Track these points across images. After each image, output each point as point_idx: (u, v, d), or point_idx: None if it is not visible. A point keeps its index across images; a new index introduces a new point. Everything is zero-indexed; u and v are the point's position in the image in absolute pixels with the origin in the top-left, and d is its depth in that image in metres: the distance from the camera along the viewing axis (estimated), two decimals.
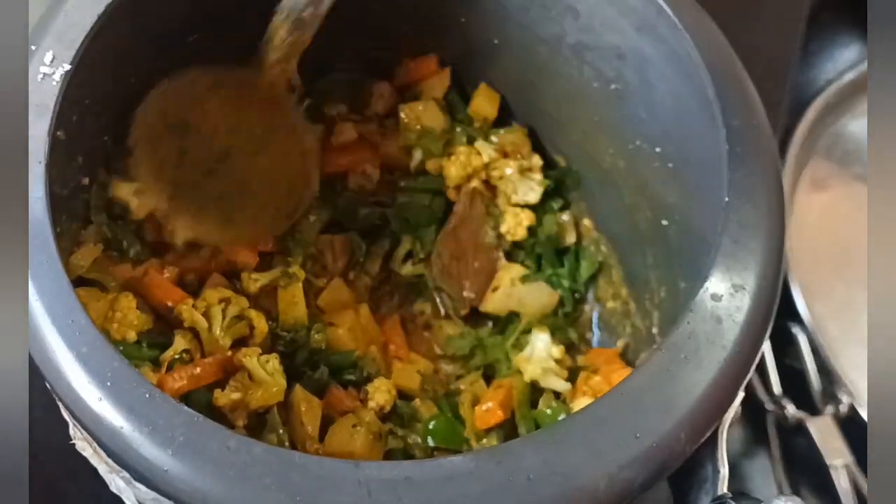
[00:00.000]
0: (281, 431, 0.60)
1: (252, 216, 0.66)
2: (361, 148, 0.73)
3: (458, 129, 0.73)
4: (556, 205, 0.73)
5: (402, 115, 0.72)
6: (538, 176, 0.72)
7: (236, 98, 0.64)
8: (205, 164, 0.64)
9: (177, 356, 0.60)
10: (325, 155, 0.72)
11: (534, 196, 0.71)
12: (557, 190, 0.73)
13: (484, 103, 0.73)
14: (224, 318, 0.61)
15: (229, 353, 0.60)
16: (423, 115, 0.72)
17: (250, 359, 0.59)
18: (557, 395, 0.66)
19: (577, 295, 0.72)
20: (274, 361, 0.60)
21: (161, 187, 0.63)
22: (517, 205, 0.72)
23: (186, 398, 0.60)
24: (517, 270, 0.71)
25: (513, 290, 0.70)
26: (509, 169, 0.71)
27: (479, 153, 0.72)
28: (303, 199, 0.68)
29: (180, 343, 0.61)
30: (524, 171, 0.71)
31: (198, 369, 0.59)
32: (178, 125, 0.63)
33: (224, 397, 0.58)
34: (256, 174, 0.66)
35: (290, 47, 0.61)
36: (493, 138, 0.72)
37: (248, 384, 0.59)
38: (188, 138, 0.64)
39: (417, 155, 0.72)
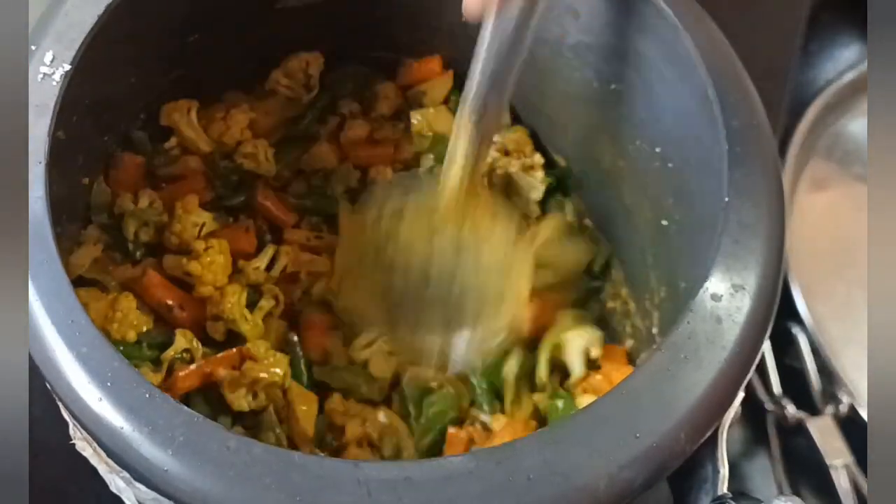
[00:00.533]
0: (278, 430, 0.60)
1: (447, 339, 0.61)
2: (374, 146, 0.73)
3: None
4: (557, 203, 0.73)
5: (414, 121, 0.72)
6: (540, 174, 0.72)
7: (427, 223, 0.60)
8: (409, 285, 0.60)
9: (178, 356, 0.60)
10: (341, 148, 0.72)
11: (537, 194, 0.71)
12: (559, 189, 0.73)
13: None
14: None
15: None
16: (435, 120, 0.72)
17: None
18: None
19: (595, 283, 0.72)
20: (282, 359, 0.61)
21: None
22: None
23: (187, 396, 0.60)
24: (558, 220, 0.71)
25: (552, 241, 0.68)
26: (512, 168, 0.71)
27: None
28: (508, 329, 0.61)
29: (181, 342, 0.61)
30: (527, 169, 0.71)
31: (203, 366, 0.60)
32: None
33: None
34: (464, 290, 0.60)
35: (473, 161, 0.57)
36: (496, 138, 0.72)
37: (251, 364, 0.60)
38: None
39: (428, 161, 0.72)
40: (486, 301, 0.60)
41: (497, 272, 0.60)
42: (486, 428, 0.64)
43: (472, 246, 0.59)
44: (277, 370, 0.60)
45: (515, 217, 0.62)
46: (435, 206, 0.58)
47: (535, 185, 0.71)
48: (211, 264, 0.63)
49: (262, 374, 0.60)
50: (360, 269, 0.61)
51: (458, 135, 0.56)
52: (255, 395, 0.60)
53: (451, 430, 0.63)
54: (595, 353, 0.66)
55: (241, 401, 0.59)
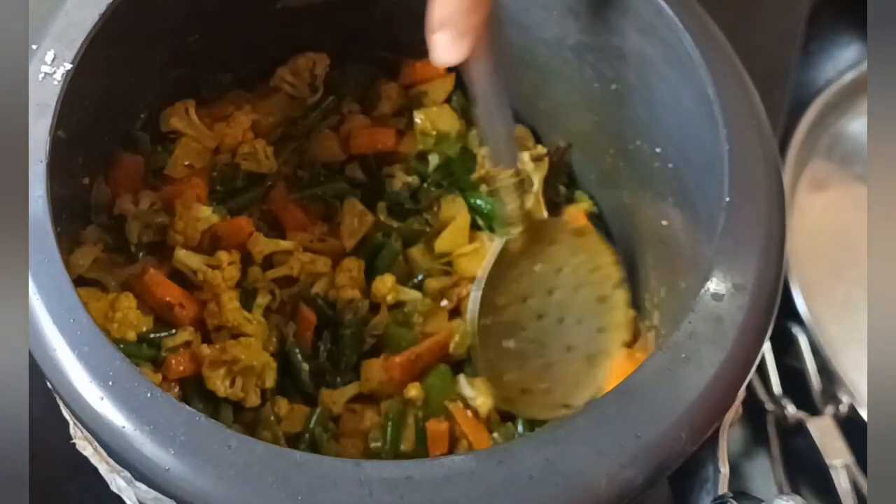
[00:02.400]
0: (276, 428, 0.60)
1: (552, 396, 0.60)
2: (374, 132, 0.73)
3: (473, 133, 0.73)
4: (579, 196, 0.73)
5: (418, 121, 0.72)
6: (546, 165, 0.72)
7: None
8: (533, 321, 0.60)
9: (177, 347, 0.61)
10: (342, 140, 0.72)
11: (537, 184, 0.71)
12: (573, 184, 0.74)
13: None
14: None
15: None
16: (439, 120, 0.72)
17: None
18: None
19: None
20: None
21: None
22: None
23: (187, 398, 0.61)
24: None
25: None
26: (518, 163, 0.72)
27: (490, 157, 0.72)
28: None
29: (182, 335, 0.61)
30: (535, 160, 0.71)
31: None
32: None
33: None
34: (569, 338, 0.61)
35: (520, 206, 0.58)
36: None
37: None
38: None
39: (434, 160, 0.73)
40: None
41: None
42: (468, 405, 0.64)
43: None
44: (257, 358, 0.61)
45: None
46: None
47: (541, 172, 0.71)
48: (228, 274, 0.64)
49: (241, 356, 0.61)
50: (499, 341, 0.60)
51: (502, 189, 0.58)
52: (232, 382, 0.61)
53: (432, 422, 0.63)
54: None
55: (217, 382, 0.60)
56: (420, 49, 0.72)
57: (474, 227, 0.71)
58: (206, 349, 0.61)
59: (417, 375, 0.65)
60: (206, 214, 0.66)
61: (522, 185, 0.59)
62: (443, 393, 0.64)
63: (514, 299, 0.60)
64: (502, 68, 0.53)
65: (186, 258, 0.64)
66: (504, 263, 0.59)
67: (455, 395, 0.64)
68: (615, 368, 0.65)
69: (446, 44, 0.50)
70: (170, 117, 0.67)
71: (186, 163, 0.68)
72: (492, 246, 0.68)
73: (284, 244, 0.67)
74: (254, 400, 0.61)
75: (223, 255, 0.64)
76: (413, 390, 0.64)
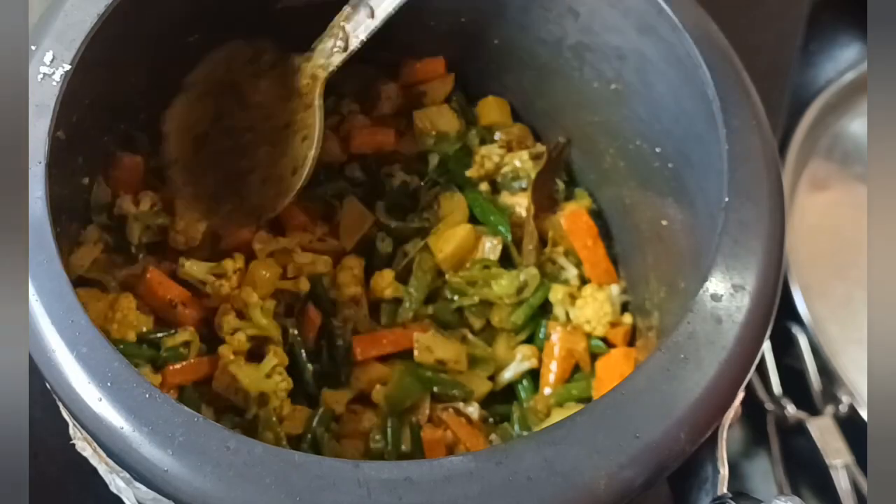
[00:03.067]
0: (278, 429, 0.60)
1: (256, 199, 0.66)
2: (374, 132, 0.73)
3: (472, 132, 0.73)
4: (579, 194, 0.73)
5: (417, 121, 0.72)
6: (543, 162, 0.72)
7: (275, 77, 0.66)
8: (231, 136, 0.66)
9: (176, 347, 0.61)
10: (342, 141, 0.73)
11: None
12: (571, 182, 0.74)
13: (493, 113, 0.74)
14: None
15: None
16: (439, 120, 0.72)
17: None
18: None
19: None
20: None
21: (187, 159, 0.65)
22: None
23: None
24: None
25: None
26: (518, 161, 0.72)
27: (489, 157, 0.72)
28: (293, 186, 0.67)
29: (182, 335, 0.61)
30: (534, 158, 0.72)
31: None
32: (221, 87, 0.66)
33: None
34: (269, 156, 0.66)
35: (334, 56, 0.64)
36: (498, 134, 0.72)
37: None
38: (224, 102, 0.66)
39: (434, 160, 0.73)
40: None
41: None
42: (460, 412, 0.65)
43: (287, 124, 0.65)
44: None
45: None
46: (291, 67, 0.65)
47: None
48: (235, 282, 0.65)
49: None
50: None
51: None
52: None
53: (427, 430, 0.64)
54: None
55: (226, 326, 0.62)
56: (420, 49, 0.73)
57: (472, 221, 0.71)
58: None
59: (382, 358, 0.66)
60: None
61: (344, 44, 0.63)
62: (410, 390, 0.65)
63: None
64: None
65: (192, 269, 0.64)
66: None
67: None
68: (608, 367, 0.65)
69: None
70: (169, 118, 0.67)
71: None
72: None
73: (285, 241, 0.67)
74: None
75: (228, 264, 0.64)
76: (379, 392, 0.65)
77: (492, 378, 0.68)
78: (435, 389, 0.65)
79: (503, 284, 0.68)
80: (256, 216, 0.66)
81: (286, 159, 0.65)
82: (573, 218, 0.70)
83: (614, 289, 0.69)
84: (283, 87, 0.65)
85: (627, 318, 0.68)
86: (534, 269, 0.69)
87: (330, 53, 0.64)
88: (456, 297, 0.68)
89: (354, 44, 0.63)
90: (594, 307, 0.67)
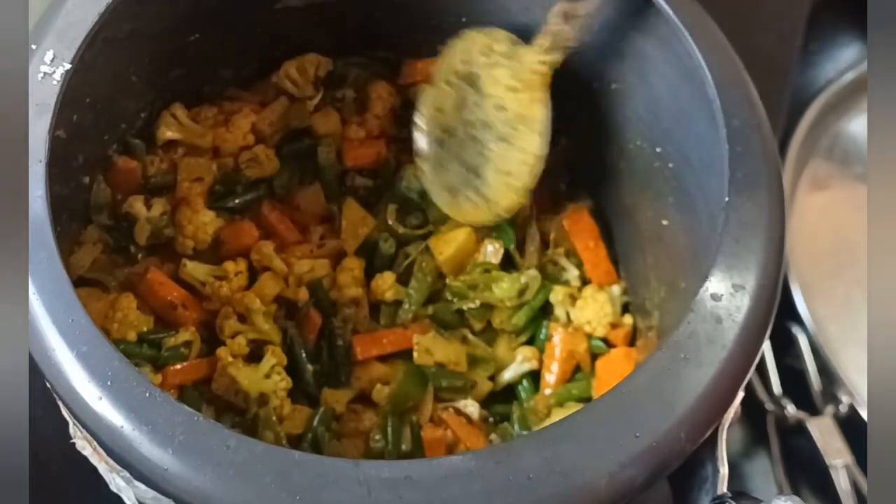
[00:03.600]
0: (278, 429, 0.60)
1: (491, 194, 0.65)
2: (367, 146, 0.73)
3: None
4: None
5: (417, 121, 0.72)
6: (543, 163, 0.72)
7: (507, 69, 0.64)
8: (470, 128, 0.66)
9: (177, 347, 0.60)
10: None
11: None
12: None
13: None
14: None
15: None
16: None
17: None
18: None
19: None
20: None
21: (435, 152, 0.67)
22: None
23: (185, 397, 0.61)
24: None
25: None
26: None
27: None
28: (525, 184, 0.65)
29: (183, 335, 0.61)
30: None
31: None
32: (461, 78, 0.66)
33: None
34: (502, 151, 0.65)
35: (559, 38, 0.62)
36: None
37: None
38: (464, 93, 0.66)
39: None
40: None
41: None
42: (460, 412, 0.65)
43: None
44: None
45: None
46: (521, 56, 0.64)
47: None
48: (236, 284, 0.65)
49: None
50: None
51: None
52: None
53: (427, 429, 0.64)
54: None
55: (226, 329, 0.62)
56: (420, 49, 0.73)
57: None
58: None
59: (382, 358, 0.66)
60: (212, 218, 0.66)
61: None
62: (413, 390, 0.65)
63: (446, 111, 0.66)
64: None
65: (194, 270, 0.64)
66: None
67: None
68: (608, 366, 0.65)
69: None
70: (161, 129, 0.67)
71: (194, 178, 0.68)
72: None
73: (279, 265, 0.67)
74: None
75: (230, 266, 0.65)
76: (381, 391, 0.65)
77: (492, 378, 0.68)
78: (443, 384, 0.65)
79: (504, 287, 0.68)
80: (494, 213, 0.65)
81: (517, 154, 0.64)
82: (575, 218, 0.70)
83: (615, 289, 0.69)
84: (515, 79, 0.64)
85: (628, 319, 0.68)
86: (534, 271, 0.69)
87: (551, 48, 0.62)
88: (456, 300, 0.68)
89: (572, 39, 0.61)
90: (594, 308, 0.67)
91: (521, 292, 0.68)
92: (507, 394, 0.68)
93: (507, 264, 0.70)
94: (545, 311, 0.70)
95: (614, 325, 0.68)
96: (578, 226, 0.71)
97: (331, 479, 0.40)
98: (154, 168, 0.67)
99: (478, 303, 0.68)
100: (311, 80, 0.72)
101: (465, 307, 0.68)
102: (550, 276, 0.70)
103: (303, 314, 0.66)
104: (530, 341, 0.69)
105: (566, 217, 0.71)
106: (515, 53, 0.64)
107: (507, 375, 0.68)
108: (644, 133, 0.63)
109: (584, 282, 0.70)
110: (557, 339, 0.67)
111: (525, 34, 0.67)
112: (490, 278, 0.68)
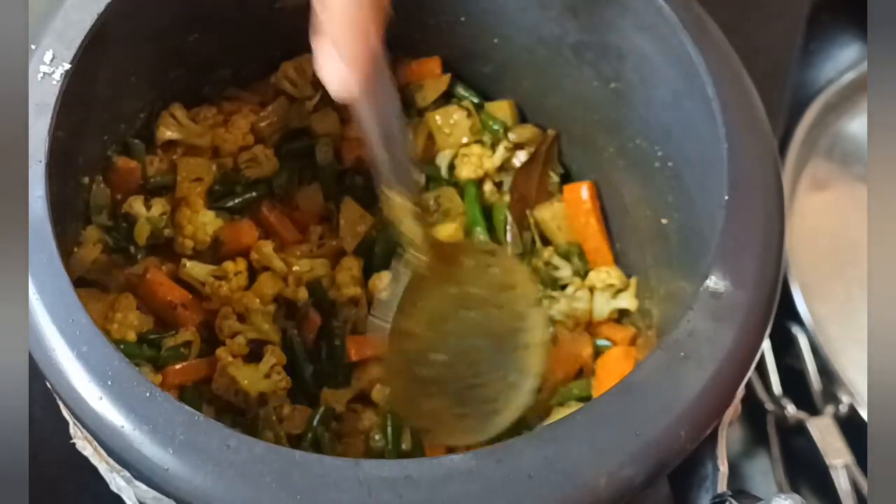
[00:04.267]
0: (278, 429, 0.60)
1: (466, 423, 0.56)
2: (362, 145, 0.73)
3: (485, 134, 0.73)
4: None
5: (429, 122, 0.73)
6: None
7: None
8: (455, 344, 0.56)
9: (177, 347, 0.61)
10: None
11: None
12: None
13: (504, 113, 0.73)
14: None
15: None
16: (455, 125, 0.72)
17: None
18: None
19: None
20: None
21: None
22: None
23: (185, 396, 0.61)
24: None
25: None
26: (518, 161, 0.72)
27: (490, 156, 0.72)
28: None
29: (184, 335, 0.61)
30: (511, 150, 0.72)
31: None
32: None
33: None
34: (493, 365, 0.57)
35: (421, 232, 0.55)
36: (511, 135, 0.72)
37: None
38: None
39: (444, 161, 0.73)
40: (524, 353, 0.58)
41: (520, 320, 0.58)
42: None
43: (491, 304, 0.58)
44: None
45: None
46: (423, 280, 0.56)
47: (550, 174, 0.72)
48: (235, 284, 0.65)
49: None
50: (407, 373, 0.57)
51: (401, 215, 0.54)
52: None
53: None
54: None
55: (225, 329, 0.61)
56: (416, 48, 0.73)
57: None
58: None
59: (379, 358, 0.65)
60: (211, 218, 0.66)
61: (424, 213, 0.56)
62: None
63: (426, 324, 0.56)
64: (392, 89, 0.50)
65: (194, 269, 0.64)
66: (414, 289, 0.56)
67: None
68: (608, 365, 0.65)
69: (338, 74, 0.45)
70: (160, 130, 0.67)
71: (193, 178, 0.68)
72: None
73: (279, 264, 0.66)
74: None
75: (230, 266, 0.65)
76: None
77: None
78: None
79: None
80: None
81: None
82: (571, 194, 0.71)
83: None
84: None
85: (632, 302, 0.68)
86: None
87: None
88: None
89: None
90: (600, 276, 0.68)
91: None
92: None
93: None
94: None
95: (620, 291, 0.68)
96: (575, 203, 0.71)
97: (331, 478, 0.40)
98: (153, 168, 0.67)
99: None
100: (310, 80, 0.72)
101: None
102: (544, 279, 0.70)
103: (302, 314, 0.66)
104: None
105: (564, 197, 0.71)
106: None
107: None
108: (644, 132, 0.63)
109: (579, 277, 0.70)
110: (562, 342, 0.67)
111: (524, 33, 0.67)
112: None
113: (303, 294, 0.66)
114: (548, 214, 0.71)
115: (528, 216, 0.72)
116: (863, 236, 0.81)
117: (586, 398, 0.65)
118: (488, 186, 0.72)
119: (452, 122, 0.73)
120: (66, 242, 0.60)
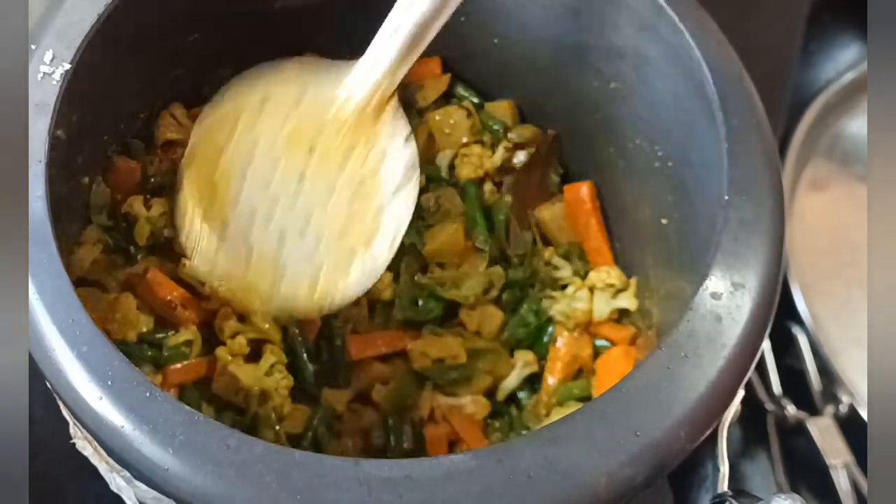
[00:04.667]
0: (277, 428, 0.60)
1: (307, 278, 0.56)
2: None
3: (486, 134, 0.73)
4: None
5: (431, 122, 0.72)
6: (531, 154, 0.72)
7: (320, 104, 0.55)
8: (273, 184, 0.55)
9: (178, 346, 0.61)
10: None
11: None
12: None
13: (500, 114, 0.73)
14: None
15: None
16: (455, 125, 0.72)
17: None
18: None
19: None
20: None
21: (213, 207, 0.54)
22: None
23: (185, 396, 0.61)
24: None
25: None
26: (518, 161, 0.72)
27: (490, 156, 0.72)
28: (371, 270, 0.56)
29: (184, 334, 0.61)
30: (511, 149, 0.72)
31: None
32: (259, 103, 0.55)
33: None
34: (327, 217, 0.55)
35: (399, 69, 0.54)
36: (511, 135, 0.72)
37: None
38: (261, 133, 0.55)
39: (444, 161, 0.73)
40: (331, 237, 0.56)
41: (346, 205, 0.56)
42: (461, 411, 0.65)
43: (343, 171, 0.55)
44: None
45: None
46: (331, 116, 0.54)
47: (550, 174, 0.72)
48: None
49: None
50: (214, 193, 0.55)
51: (378, 55, 0.55)
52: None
53: (430, 427, 0.64)
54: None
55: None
56: None
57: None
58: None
59: (382, 357, 0.66)
60: None
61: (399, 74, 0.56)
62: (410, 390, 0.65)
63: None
64: None
65: (193, 271, 0.64)
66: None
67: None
68: (608, 365, 0.65)
69: None
70: (160, 130, 0.67)
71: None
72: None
73: None
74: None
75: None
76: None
77: (492, 391, 0.67)
78: (444, 378, 0.65)
79: (469, 285, 0.68)
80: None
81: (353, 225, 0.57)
82: (571, 194, 0.71)
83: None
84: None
85: (632, 302, 0.68)
86: (499, 269, 0.69)
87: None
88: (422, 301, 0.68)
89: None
90: (601, 276, 0.67)
91: (487, 290, 0.68)
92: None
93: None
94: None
95: (620, 291, 0.68)
96: (577, 203, 0.71)
97: (331, 478, 0.40)
98: (154, 168, 0.67)
99: (446, 298, 0.68)
100: None
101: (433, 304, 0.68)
102: (543, 279, 0.70)
103: None
104: (531, 345, 0.69)
105: (564, 197, 0.71)
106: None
107: (509, 384, 0.67)
108: (643, 132, 0.63)
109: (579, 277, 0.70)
110: (562, 342, 0.67)
111: (523, 33, 0.67)
112: (458, 275, 0.68)
113: None
114: (548, 214, 0.71)
115: (528, 216, 0.72)
116: (862, 236, 0.82)
117: (586, 398, 0.65)
118: (488, 186, 0.72)
119: (452, 122, 0.72)
120: (66, 242, 0.60)
